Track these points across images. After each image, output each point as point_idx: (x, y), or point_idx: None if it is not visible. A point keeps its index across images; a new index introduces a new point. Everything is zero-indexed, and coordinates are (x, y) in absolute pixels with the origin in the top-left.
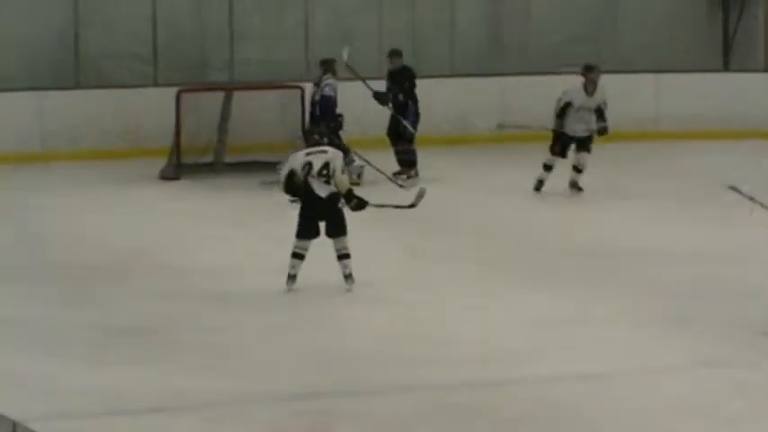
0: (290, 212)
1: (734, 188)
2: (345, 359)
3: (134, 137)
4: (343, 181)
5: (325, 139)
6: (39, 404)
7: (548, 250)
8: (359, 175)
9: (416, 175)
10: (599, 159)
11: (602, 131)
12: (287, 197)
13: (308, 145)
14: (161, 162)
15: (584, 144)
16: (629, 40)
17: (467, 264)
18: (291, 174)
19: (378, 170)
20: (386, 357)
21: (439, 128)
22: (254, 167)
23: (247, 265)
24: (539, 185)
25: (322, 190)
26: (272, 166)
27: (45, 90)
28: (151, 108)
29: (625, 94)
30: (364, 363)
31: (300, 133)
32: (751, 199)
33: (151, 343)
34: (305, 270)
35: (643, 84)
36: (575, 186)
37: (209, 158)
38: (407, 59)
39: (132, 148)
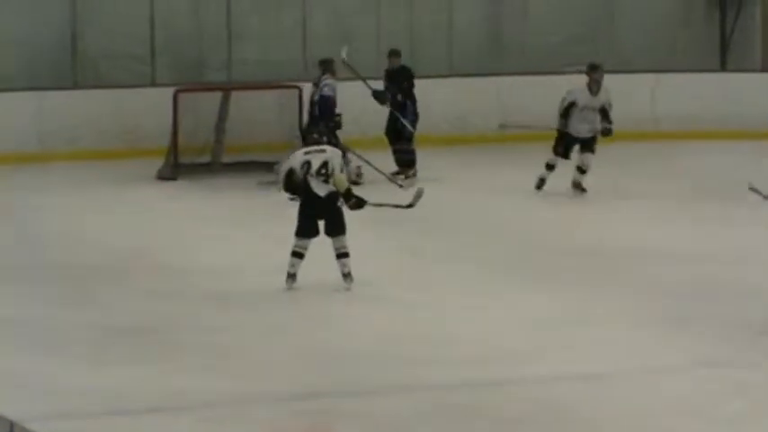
0: (289, 212)
1: (754, 189)
2: (345, 359)
3: (132, 137)
4: (341, 180)
5: (324, 139)
6: (38, 404)
7: (548, 250)
8: (359, 175)
9: (415, 175)
10: (600, 160)
11: (606, 132)
12: (286, 195)
13: (307, 144)
14: (159, 162)
15: (588, 145)
16: (627, 40)
17: (467, 264)
18: (290, 172)
19: (377, 170)
20: (386, 357)
21: (438, 128)
22: (252, 167)
23: (247, 265)
24: (540, 184)
25: (321, 189)
26: (269, 167)
27: (44, 90)
28: (149, 108)
29: (623, 95)
30: (364, 363)
31: (298, 133)
32: (766, 198)
33: (151, 343)
34: (304, 269)
35: (641, 84)
36: (578, 187)
37: (206, 158)
38: (405, 60)
39: (130, 148)
